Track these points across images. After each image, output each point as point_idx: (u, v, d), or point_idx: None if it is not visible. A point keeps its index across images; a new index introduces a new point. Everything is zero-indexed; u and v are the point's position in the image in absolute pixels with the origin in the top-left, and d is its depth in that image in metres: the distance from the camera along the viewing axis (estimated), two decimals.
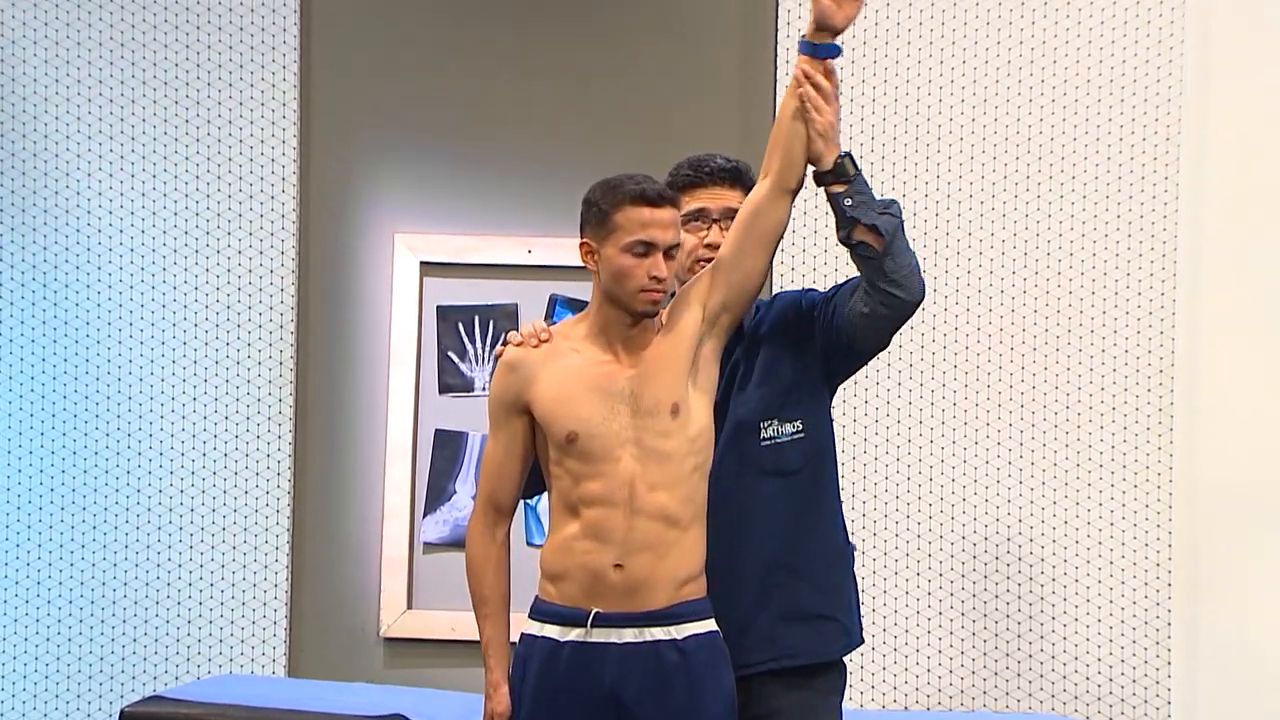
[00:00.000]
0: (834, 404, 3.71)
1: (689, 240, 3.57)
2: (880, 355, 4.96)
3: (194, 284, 5.29)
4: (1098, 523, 5.02)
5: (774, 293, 3.82)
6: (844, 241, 3.44)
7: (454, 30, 5.35)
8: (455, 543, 5.15)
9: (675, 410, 3.39)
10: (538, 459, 3.53)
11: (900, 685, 5.07)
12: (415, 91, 5.35)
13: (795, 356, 3.60)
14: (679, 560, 3.39)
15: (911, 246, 3.46)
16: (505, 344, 3.54)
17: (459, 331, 5.28)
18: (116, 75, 5.31)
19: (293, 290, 5.28)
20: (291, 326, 5.28)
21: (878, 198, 3.44)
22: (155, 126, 5.31)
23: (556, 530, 3.44)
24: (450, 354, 5.28)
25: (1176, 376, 5.01)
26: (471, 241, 5.27)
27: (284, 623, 5.26)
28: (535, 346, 3.49)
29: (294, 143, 5.29)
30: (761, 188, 3.45)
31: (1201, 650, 4.95)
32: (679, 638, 3.39)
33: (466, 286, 5.29)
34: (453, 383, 5.29)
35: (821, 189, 3.46)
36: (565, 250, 5.08)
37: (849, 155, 3.44)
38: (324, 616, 5.29)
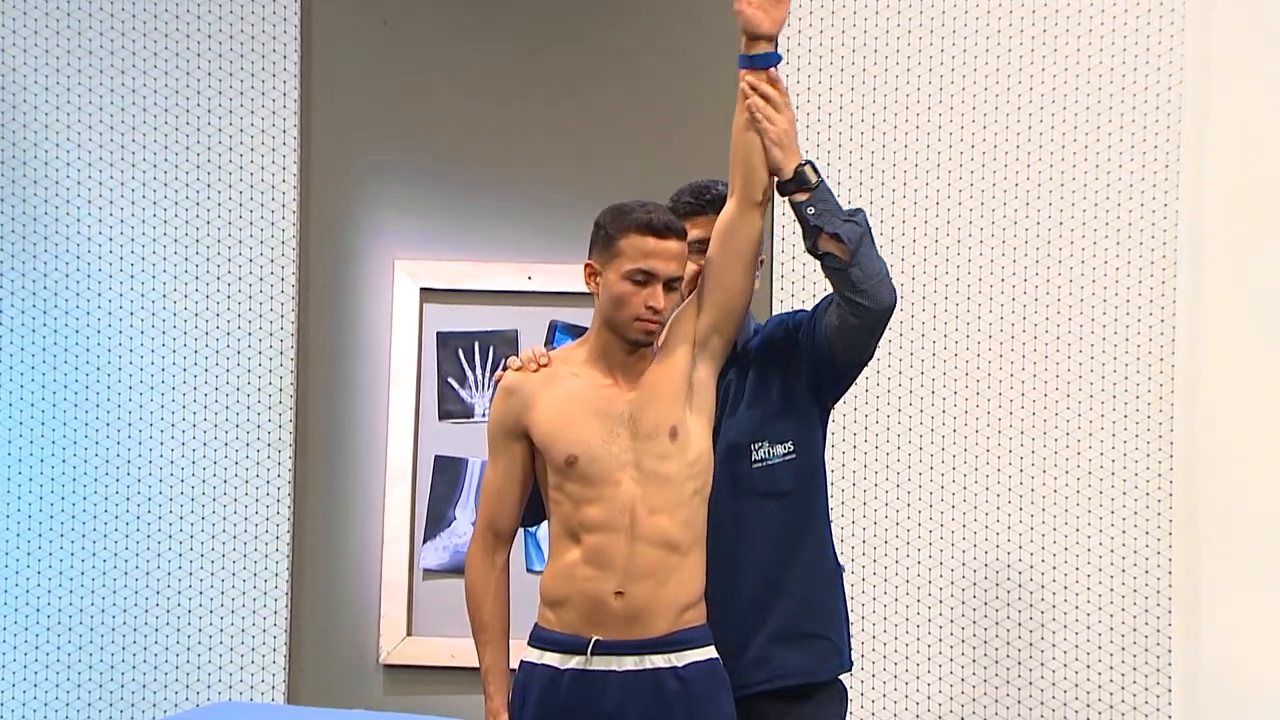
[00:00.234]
0: (832, 427, 3.71)
1: (690, 268, 3.57)
2: (879, 378, 5.02)
3: (194, 310, 5.29)
4: (1098, 549, 5.01)
5: (772, 314, 3.82)
6: (811, 251, 3.44)
7: (454, 57, 5.36)
8: (455, 569, 5.14)
9: (674, 433, 3.39)
10: (538, 486, 3.53)
11: (900, 712, 5.05)
12: (415, 118, 5.35)
13: (783, 377, 3.60)
14: (679, 587, 3.39)
15: (880, 254, 3.45)
16: (505, 369, 3.54)
17: (459, 357, 5.28)
18: (117, 101, 5.31)
19: (293, 316, 5.28)
20: (291, 352, 5.28)
21: (844, 206, 3.43)
22: (155, 152, 5.31)
23: (557, 557, 3.44)
24: (450, 380, 5.28)
25: (1176, 401, 5.00)
26: (471, 267, 5.27)
27: (283, 649, 5.25)
28: (534, 371, 3.49)
29: (294, 169, 5.30)
30: (730, 204, 3.45)
31: (1202, 677, 4.94)
32: (679, 665, 3.39)
33: (466, 312, 5.29)
34: (452, 409, 5.29)
35: (783, 197, 3.45)
36: (565, 276, 5.08)
37: (810, 163, 3.43)
38: (323, 643, 5.28)
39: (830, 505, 3.79)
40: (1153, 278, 5.02)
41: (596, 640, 3.38)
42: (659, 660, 3.38)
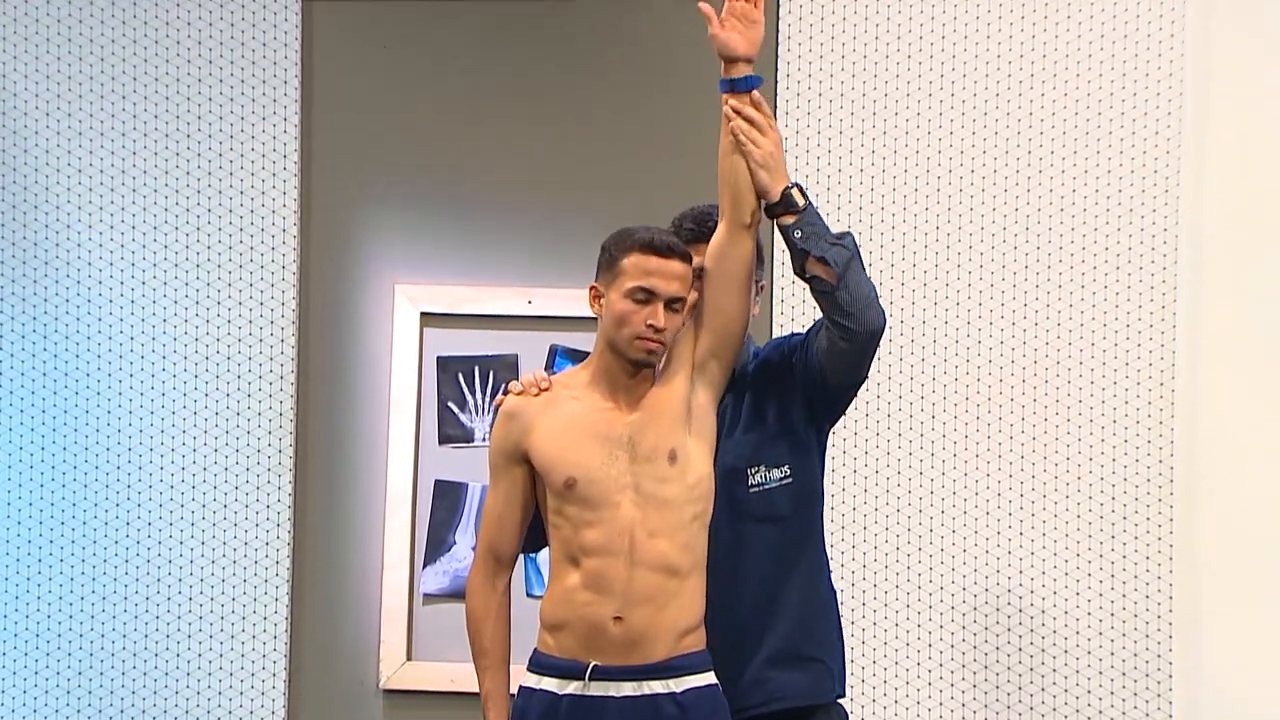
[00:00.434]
0: (830, 450, 3.71)
1: (693, 295, 3.57)
2: (878, 401, 5.02)
3: (194, 334, 5.29)
4: (1098, 571, 5.00)
5: (771, 338, 3.82)
6: (799, 274, 3.44)
7: (454, 81, 5.36)
8: (455, 594, 5.13)
9: (673, 456, 3.39)
10: (539, 512, 3.53)
11: None
12: (415, 142, 5.36)
13: (779, 400, 3.60)
14: (679, 612, 3.39)
15: (870, 277, 3.45)
16: (505, 393, 3.54)
17: (459, 382, 5.28)
18: (117, 125, 5.32)
19: (293, 341, 5.29)
20: (291, 377, 5.28)
21: (842, 228, 3.43)
22: (155, 176, 5.32)
23: (556, 581, 3.44)
24: (450, 405, 5.28)
25: (1177, 424, 5.00)
26: (472, 292, 5.27)
27: (283, 674, 5.23)
28: (535, 395, 3.50)
29: (294, 193, 5.30)
30: (720, 228, 3.46)
31: (1203, 701, 4.93)
32: (678, 691, 3.38)
33: (467, 337, 5.28)
34: (453, 433, 5.28)
35: (771, 219, 3.45)
36: (566, 301, 5.08)
37: (797, 185, 3.43)
38: (323, 668, 5.27)
39: (829, 528, 3.78)
40: (1152, 300, 5.02)
41: (595, 665, 3.37)
42: (657, 686, 3.37)
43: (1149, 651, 4.97)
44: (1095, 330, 5.05)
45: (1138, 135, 5.05)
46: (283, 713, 5.22)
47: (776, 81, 5.15)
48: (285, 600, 5.24)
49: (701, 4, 3.48)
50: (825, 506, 3.73)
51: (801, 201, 3.42)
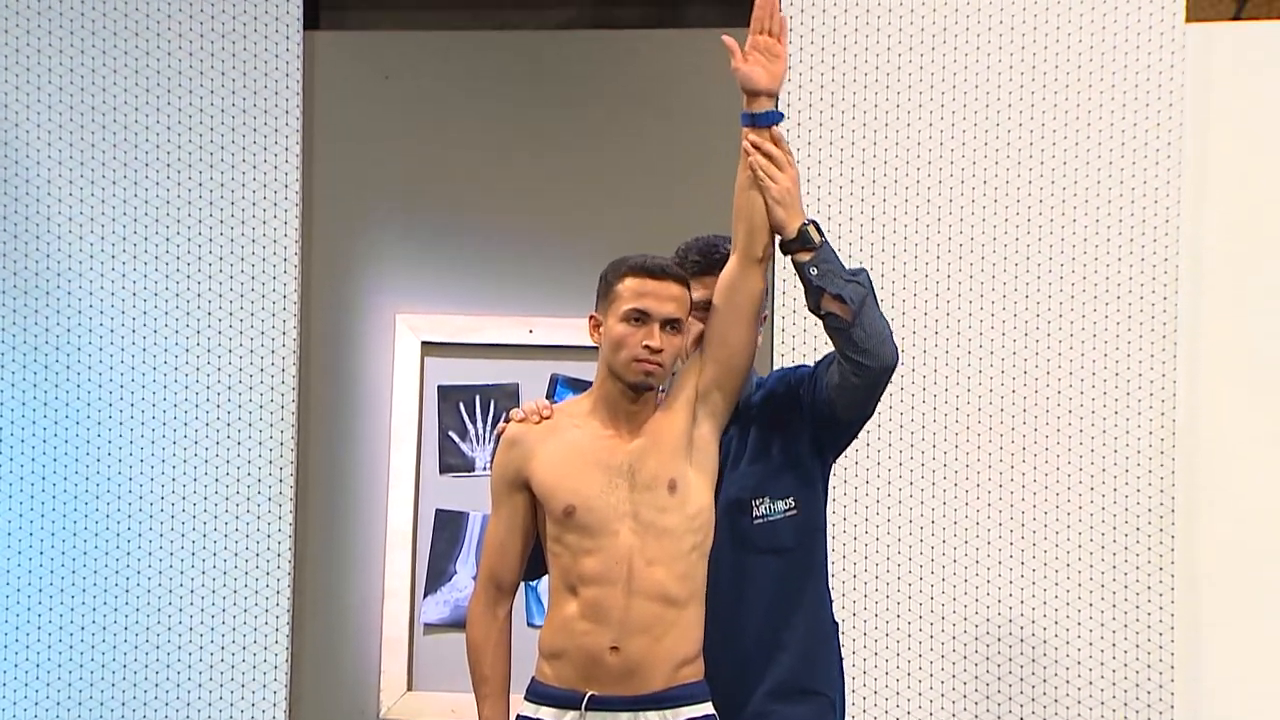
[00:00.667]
0: (831, 481, 3.70)
1: (696, 327, 3.57)
2: (879, 432, 5.02)
3: (195, 365, 5.29)
4: (1099, 602, 4.99)
5: (773, 369, 3.82)
6: (814, 310, 3.44)
7: (456, 112, 5.38)
8: (456, 624, 5.13)
9: (672, 486, 3.39)
10: (540, 540, 3.53)
11: None
12: (416, 173, 5.37)
13: (785, 433, 3.60)
14: (676, 642, 3.39)
15: (884, 313, 3.45)
16: (507, 421, 3.54)
17: (460, 411, 5.28)
18: (118, 156, 5.33)
19: (294, 370, 5.29)
20: (293, 407, 5.28)
21: (847, 265, 3.43)
22: (157, 208, 5.33)
23: (555, 610, 3.44)
24: (451, 434, 5.28)
25: (1178, 456, 5.00)
26: (472, 321, 5.28)
27: (284, 705, 5.23)
28: (537, 423, 3.50)
29: (296, 224, 5.31)
30: (732, 261, 3.46)
31: None
32: None
33: (467, 366, 5.29)
34: (453, 463, 5.28)
35: (786, 255, 3.45)
36: (566, 330, 5.09)
37: (813, 222, 3.42)
38: (324, 698, 5.26)
39: (829, 561, 3.78)
40: (1153, 331, 5.02)
41: (591, 695, 3.37)
42: (654, 717, 3.36)
43: (1150, 682, 4.96)
44: (1096, 361, 5.04)
45: (1137, 164, 5.05)
46: None
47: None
48: (286, 630, 5.23)
49: (725, 36, 3.48)
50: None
51: (818, 238, 3.41)
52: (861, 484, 5.08)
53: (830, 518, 3.82)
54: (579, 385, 5.09)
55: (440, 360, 5.30)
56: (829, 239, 3.45)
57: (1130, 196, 5.05)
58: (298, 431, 5.29)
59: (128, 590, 5.25)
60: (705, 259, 3.60)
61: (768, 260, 3.45)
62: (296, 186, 5.33)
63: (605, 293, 3.45)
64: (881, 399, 3.57)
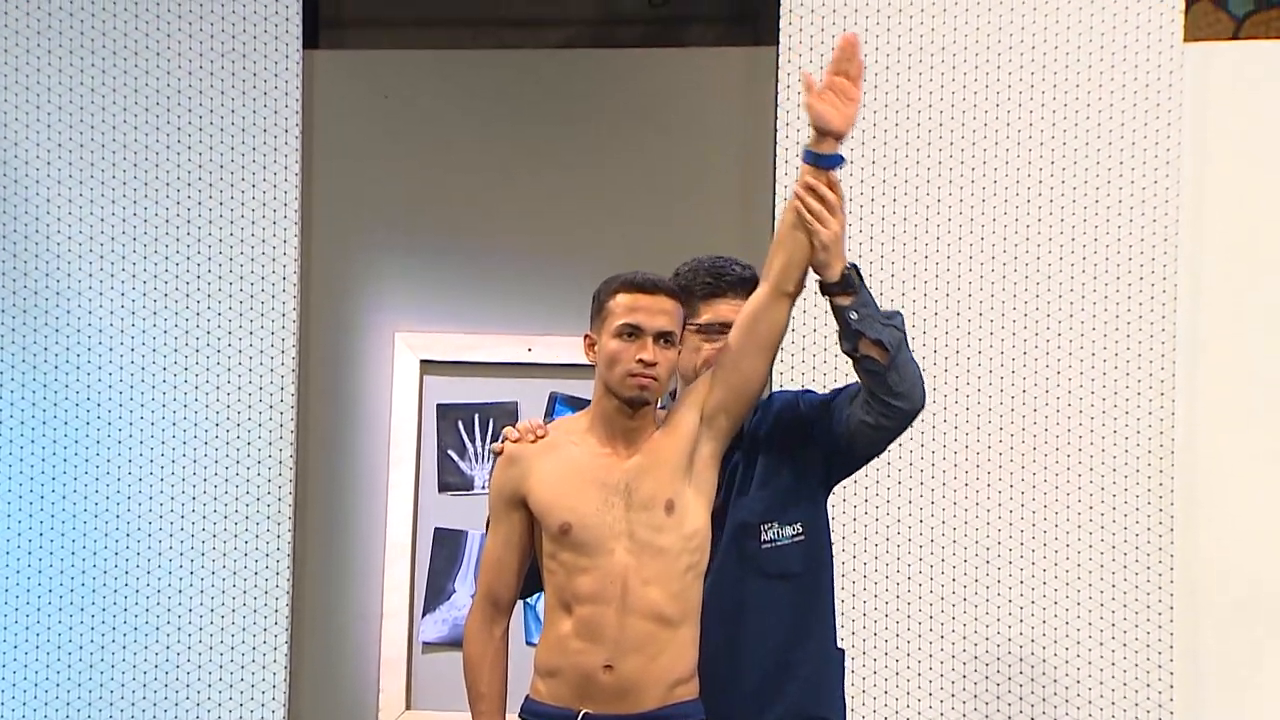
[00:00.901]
0: (831, 505, 3.71)
1: (707, 349, 3.56)
2: (879, 455, 5.00)
3: (194, 383, 5.29)
4: (1099, 623, 4.98)
5: (771, 391, 3.82)
6: (849, 353, 3.43)
7: (455, 131, 5.39)
8: (454, 642, 5.12)
9: (669, 507, 3.39)
10: (537, 557, 3.53)
11: None
12: (415, 191, 5.38)
13: (794, 459, 3.60)
14: (671, 662, 3.38)
15: (914, 356, 3.47)
16: (504, 439, 3.54)
17: (459, 430, 5.28)
18: (117, 175, 5.34)
19: (293, 389, 5.29)
20: (292, 425, 5.28)
21: (882, 308, 3.43)
22: (157, 227, 5.33)
23: (549, 628, 3.44)
24: (450, 452, 5.28)
25: (1177, 475, 4.99)
26: (471, 340, 5.28)
27: None
28: (532, 442, 3.50)
29: (295, 242, 5.32)
30: (762, 291, 3.44)
31: None
32: None
33: (466, 385, 5.29)
34: (452, 481, 5.28)
35: (825, 296, 3.44)
36: (565, 348, 5.09)
37: (855, 267, 3.41)
38: (322, 717, 5.26)
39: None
40: (1152, 349, 5.02)
41: (585, 713, 3.37)
42: None
43: (1150, 700, 4.94)
44: (1095, 379, 5.03)
45: (1136, 182, 5.05)
46: None
47: (775, 148, 5.14)
48: (284, 648, 5.22)
49: (804, 72, 3.44)
50: None
51: (858, 282, 3.41)
52: (861, 502, 5.07)
53: (836, 542, 3.83)
54: (578, 404, 5.08)
55: (439, 379, 5.30)
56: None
57: (1129, 215, 5.05)
58: (296, 450, 5.29)
59: (125, 609, 5.24)
60: (716, 281, 3.60)
61: (798, 296, 3.44)
62: (296, 205, 5.33)
63: (598, 311, 3.46)
64: None
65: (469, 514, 5.20)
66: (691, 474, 3.44)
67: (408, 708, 5.21)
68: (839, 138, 3.38)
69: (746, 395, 3.47)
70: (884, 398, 3.42)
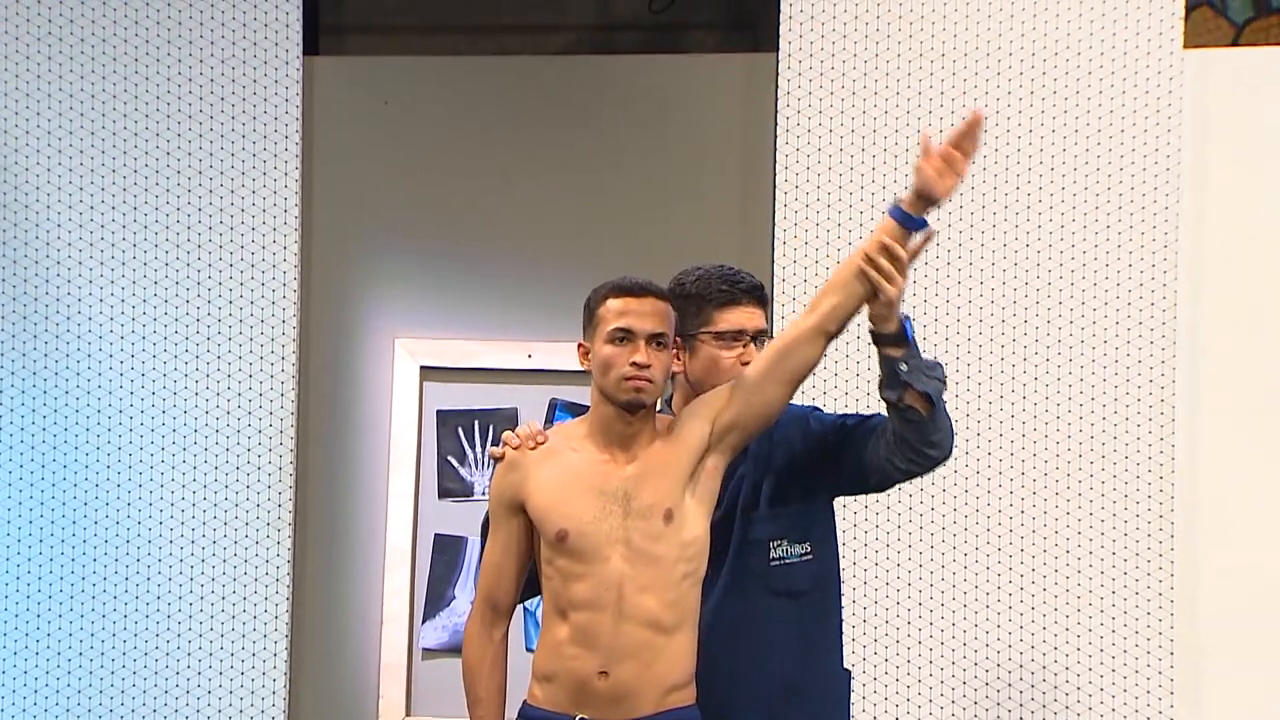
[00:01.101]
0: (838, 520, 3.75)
1: (725, 359, 3.58)
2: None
3: (194, 389, 5.29)
4: (1099, 628, 4.98)
5: None
6: (889, 401, 3.43)
7: (455, 136, 5.39)
8: (454, 649, 5.12)
9: (669, 516, 3.40)
10: (536, 562, 3.53)
11: None
12: (415, 197, 5.38)
13: (804, 479, 3.63)
14: (666, 668, 3.39)
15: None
16: (504, 445, 3.54)
17: (459, 436, 5.28)
18: (118, 181, 5.34)
19: (293, 395, 5.29)
20: (291, 431, 5.28)
21: (926, 358, 3.45)
22: (156, 231, 5.33)
23: (546, 633, 3.46)
24: (450, 459, 5.28)
25: (1177, 482, 4.99)
26: (472, 346, 5.28)
27: None
28: (532, 448, 3.51)
29: (295, 247, 5.32)
30: (804, 324, 3.43)
31: None
32: None
33: (466, 391, 5.29)
34: (452, 487, 5.28)
35: (874, 344, 3.46)
36: (565, 355, 5.08)
37: (908, 319, 3.43)
38: None
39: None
40: (1152, 355, 5.02)
41: (581, 718, 3.39)
42: None
43: (1150, 708, 4.95)
44: (1095, 385, 5.04)
45: (1136, 189, 5.05)
46: None
47: (775, 154, 5.15)
48: (284, 655, 5.22)
49: (924, 134, 3.42)
50: None
51: (909, 335, 3.43)
52: (862, 508, 5.07)
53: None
54: (578, 410, 5.08)
55: (439, 385, 5.30)
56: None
57: (1129, 221, 5.05)
58: (296, 456, 5.29)
59: (126, 614, 5.24)
60: (731, 289, 3.62)
61: (835, 338, 3.44)
62: (296, 211, 5.33)
63: (589, 319, 3.48)
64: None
65: (469, 520, 5.20)
66: (693, 484, 3.44)
67: (408, 714, 5.21)
68: (933, 205, 3.37)
69: (763, 419, 3.48)
70: (919, 446, 3.45)
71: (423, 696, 5.22)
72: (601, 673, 3.36)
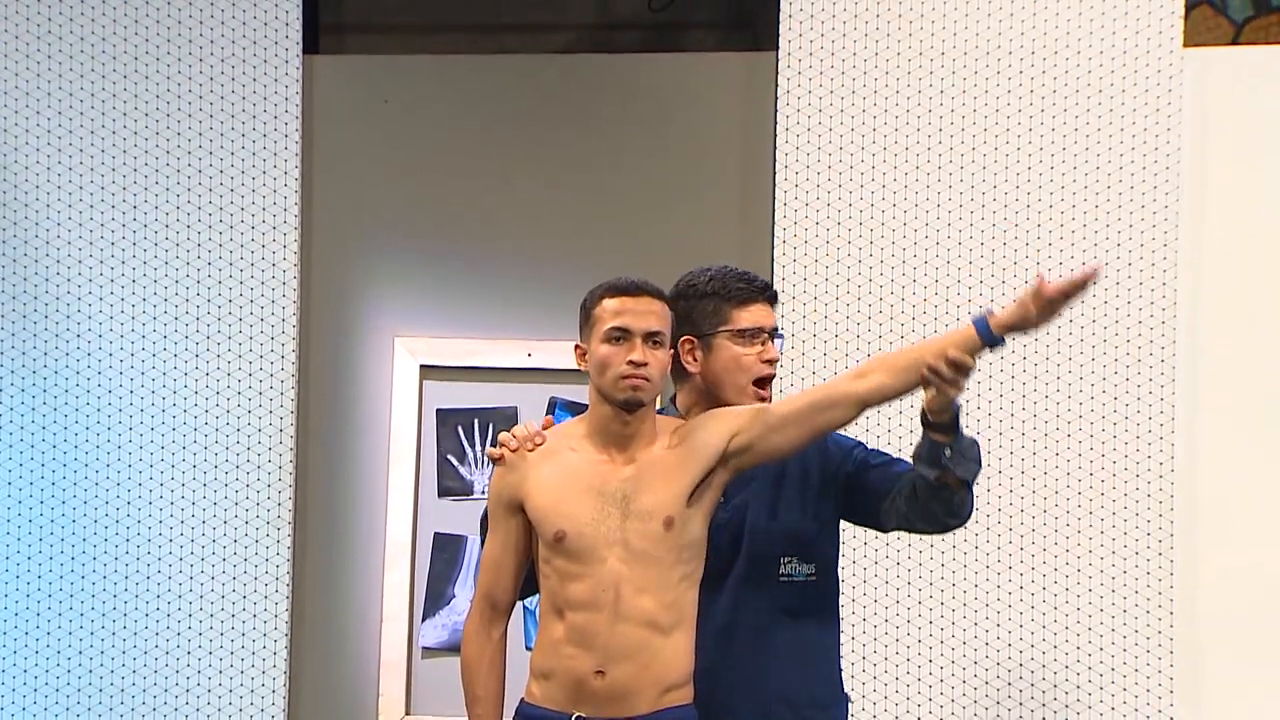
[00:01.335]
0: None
1: (746, 356, 3.58)
2: None
3: (194, 388, 5.29)
4: (1099, 628, 4.97)
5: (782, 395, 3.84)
6: (930, 481, 3.42)
7: (455, 135, 5.39)
8: (454, 647, 5.12)
9: (669, 524, 3.40)
10: (534, 560, 3.54)
11: None
12: (415, 196, 5.39)
13: (816, 504, 3.64)
14: (663, 668, 3.39)
15: None
16: (501, 447, 3.54)
17: (458, 435, 5.29)
18: (118, 180, 5.34)
19: (293, 393, 5.29)
20: (291, 430, 5.28)
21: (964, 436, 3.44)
22: (156, 230, 5.33)
23: (544, 632, 3.46)
24: (449, 457, 5.28)
25: (1177, 483, 4.98)
26: (471, 345, 5.29)
27: None
28: (530, 450, 3.51)
29: (295, 246, 5.32)
30: (848, 389, 3.42)
31: None
32: None
33: (466, 390, 5.29)
34: (452, 486, 5.28)
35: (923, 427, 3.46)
36: (565, 354, 5.03)
37: (958, 406, 3.41)
38: None
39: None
40: (1152, 355, 5.02)
41: (578, 717, 3.39)
42: None
43: (1150, 706, 4.94)
44: (1095, 385, 5.03)
45: (1135, 188, 5.05)
46: None
47: (775, 155, 5.14)
48: (284, 653, 5.23)
49: (1040, 274, 3.41)
50: None
51: (959, 425, 3.43)
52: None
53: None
54: (578, 409, 5.05)
55: (439, 384, 5.30)
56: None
57: (1129, 220, 5.05)
58: (296, 455, 5.29)
59: (125, 612, 5.24)
60: (749, 286, 3.63)
61: (865, 410, 3.45)
62: (295, 210, 5.33)
63: (586, 320, 3.48)
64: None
65: (469, 519, 5.20)
66: (697, 495, 3.44)
67: (407, 712, 5.21)
68: (1017, 332, 3.38)
69: (775, 455, 3.48)
70: (944, 518, 3.49)
71: (422, 694, 5.23)
72: (598, 672, 3.37)
